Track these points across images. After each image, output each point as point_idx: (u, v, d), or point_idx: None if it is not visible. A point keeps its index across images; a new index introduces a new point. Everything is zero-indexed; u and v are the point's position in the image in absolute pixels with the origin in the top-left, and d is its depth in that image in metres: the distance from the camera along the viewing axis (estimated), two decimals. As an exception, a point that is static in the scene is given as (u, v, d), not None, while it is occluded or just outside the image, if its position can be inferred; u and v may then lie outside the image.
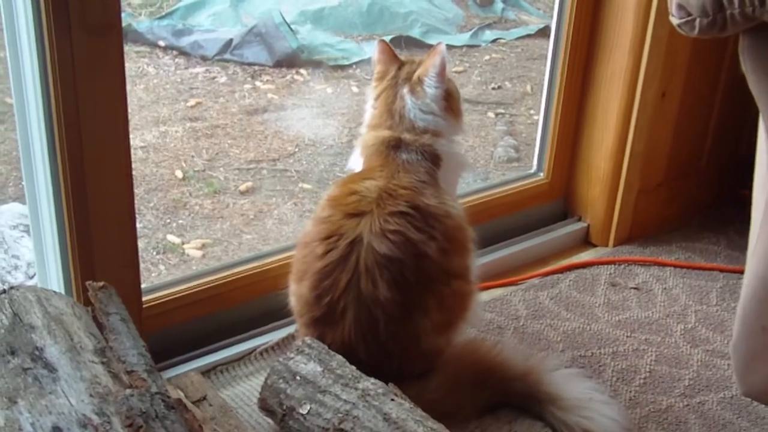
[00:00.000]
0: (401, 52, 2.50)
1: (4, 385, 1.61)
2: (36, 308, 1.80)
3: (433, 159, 2.31)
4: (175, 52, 5.34)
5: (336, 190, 2.28)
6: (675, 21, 2.11)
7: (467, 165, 2.62)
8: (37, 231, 2.21)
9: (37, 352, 1.68)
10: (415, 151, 2.29)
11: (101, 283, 1.93)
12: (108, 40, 2.02)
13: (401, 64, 2.43)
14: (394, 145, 2.30)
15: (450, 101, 2.39)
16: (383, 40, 2.49)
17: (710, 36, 2.07)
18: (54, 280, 2.22)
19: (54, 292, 1.92)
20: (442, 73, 2.35)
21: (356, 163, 2.39)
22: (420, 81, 2.36)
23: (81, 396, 1.59)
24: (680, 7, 2.07)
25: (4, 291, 1.85)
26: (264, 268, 2.62)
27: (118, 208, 2.19)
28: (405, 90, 2.36)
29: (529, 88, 5.37)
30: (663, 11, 2.41)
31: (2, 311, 1.78)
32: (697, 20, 2.05)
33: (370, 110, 2.44)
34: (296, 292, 2.26)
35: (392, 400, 1.90)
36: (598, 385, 2.38)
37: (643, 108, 3.02)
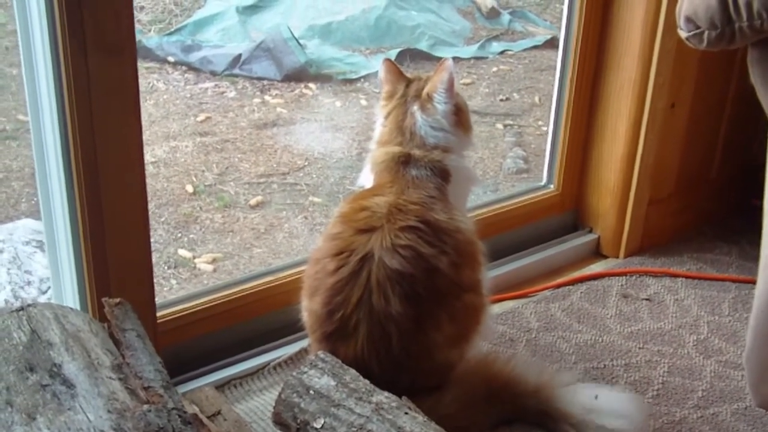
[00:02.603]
0: (408, 67, 2.51)
1: (23, 402, 1.62)
2: (54, 325, 1.81)
3: (443, 174, 2.32)
4: (184, 68, 5.36)
5: (346, 207, 2.28)
6: (683, 34, 2.13)
7: (476, 179, 2.62)
8: (52, 247, 2.22)
9: (55, 369, 1.69)
10: (424, 167, 2.30)
11: (117, 300, 1.94)
12: (122, 60, 2.04)
13: (408, 82, 2.44)
14: (403, 161, 2.31)
15: (459, 116, 2.40)
16: (388, 59, 2.50)
17: (719, 49, 2.09)
18: (69, 296, 2.23)
19: (71, 308, 1.93)
20: (450, 89, 2.35)
21: (367, 179, 2.40)
22: (429, 98, 2.36)
23: (99, 412, 1.60)
24: (688, 20, 2.08)
25: (22, 308, 1.85)
26: (277, 283, 2.63)
27: (132, 224, 2.20)
28: (415, 107, 2.37)
29: (537, 99, 5.38)
30: (671, 23, 2.42)
31: (21, 328, 1.79)
32: (706, 33, 2.06)
33: (379, 128, 2.45)
34: (308, 308, 2.26)
35: (406, 413, 1.89)
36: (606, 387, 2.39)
37: (653, 119, 3.03)
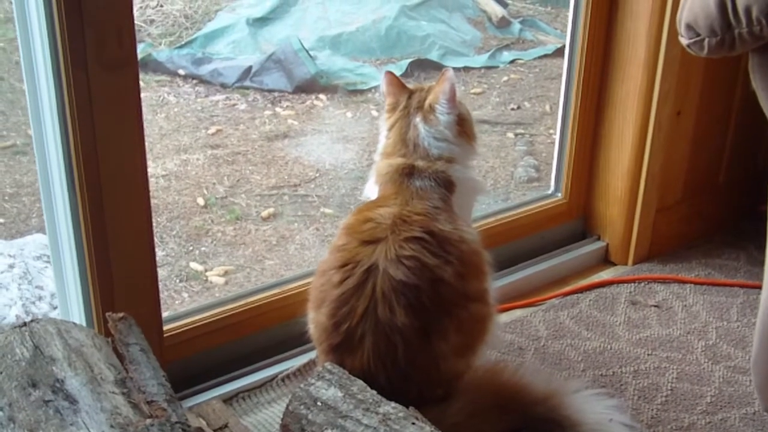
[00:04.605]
0: (419, 77, 2.51)
1: (25, 418, 1.63)
2: (56, 340, 1.82)
3: (447, 185, 2.32)
4: (195, 81, 5.37)
5: (351, 219, 2.29)
6: (684, 41, 2.13)
7: (482, 189, 2.60)
8: (57, 263, 2.23)
9: (58, 384, 1.70)
10: (428, 178, 2.30)
11: (121, 314, 1.95)
12: (124, 74, 2.06)
13: (411, 93, 2.44)
14: (407, 173, 2.31)
15: (463, 125, 2.40)
16: (389, 72, 2.49)
17: (719, 55, 2.09)
18: (75, 311, 2.24)
19: (74, 323, 1.93)
20: (452, 99, 2.36)
21: (372, 191, 2.40)
22: (432, 109, 2.37)
23: (102, 427, 1.61)
24: (689, 27, 2.09)
25: (25, 324, 1.86)
26: (284, 295, 2.64)
27: (137, 238, 2.21)
28: (418, 119, 2.38)
29: (548, 107, 5.38)
30: (675, 31, 2.42)
31: (23, 344, 1.80)
32: (706, 40, 2.07)
33: (383, 140, 2.46)
34: (315, 320, 2.26)
35: (413, 424, 1.89)
36: (619, 404, 2.38)
37: (659, 127, 3.03)
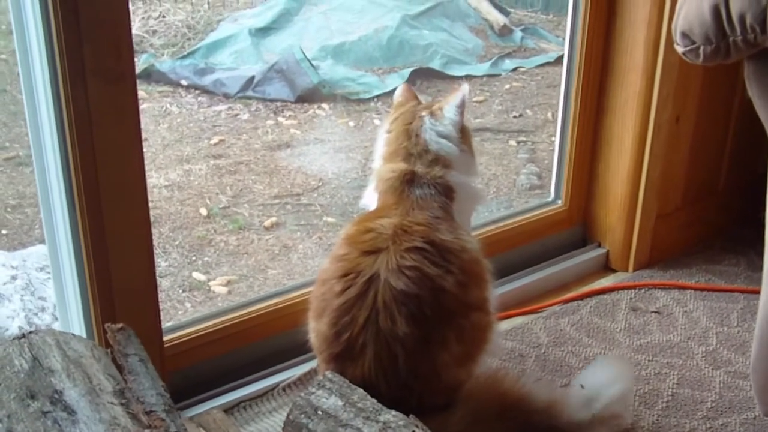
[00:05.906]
0: (421, 85, 2.52)
1: (24, 429, 1.63)
2: (55, 352, 1.83)
3: (447, 192, 2.32)
4: (197, 91, 5.39)
5: (352, 229, 2.28)
6: (680, 49, 2.14)
7: (482, 198, 2.59)
8: (57, 274, 2.24)
9: (56, 396, 1.70)
10: (428, 185, 2.30)
11: (119, 325, 1.95)
12: (122, 87, 2.06)
13: (420, 102, 2.47)
14: (407, 180, 2.31)
15: (464, 136, 2.41)
16: (407, 83, 2.52)
17: (715, 63, 2.10)
18: (75, 322, 2.25)
19: (73, 335, 1.94)
20: (462, 106, 2.36)
21: (370, 199, 2.40)
22: (440, 108, 2.39)
23: (100, 437, 1.61)
24: (684, 35, 2.09)
25: (24, 335, 1.87)
26: (284, 304, 2.64)
27: (136, 249, 2.22)
28: (424, 112, 2.39)
29: (550, 115, 5.38)
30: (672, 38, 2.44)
31: (22, 355, 1.81)
32: (701, 48, 2.07)
33: (384, 136, 2.45)
34: (316, 329, 2.26)
35: (413, 432, 1.90)
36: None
37: (658, 133, 3.04)
